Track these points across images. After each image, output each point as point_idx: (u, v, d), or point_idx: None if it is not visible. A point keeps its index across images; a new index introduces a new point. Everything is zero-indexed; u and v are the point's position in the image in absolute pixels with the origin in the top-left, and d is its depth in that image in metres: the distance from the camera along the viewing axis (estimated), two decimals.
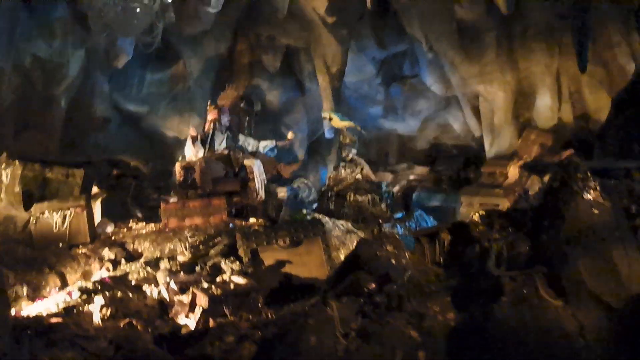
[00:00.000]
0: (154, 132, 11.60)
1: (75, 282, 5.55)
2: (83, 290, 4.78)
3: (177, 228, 6.50)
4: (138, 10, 7.63)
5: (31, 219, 6.17)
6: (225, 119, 7.91)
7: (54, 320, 4.34)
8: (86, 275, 5.66)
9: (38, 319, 4.39)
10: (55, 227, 6.14)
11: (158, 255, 5.90)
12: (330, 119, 8.77)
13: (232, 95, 8.30)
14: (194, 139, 7.79)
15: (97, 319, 4.50)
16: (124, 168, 10.97)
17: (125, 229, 6.78)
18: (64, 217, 6.17)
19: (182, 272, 5.37)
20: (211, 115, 8.00)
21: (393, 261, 4.69)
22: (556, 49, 9.66)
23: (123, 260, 5.85)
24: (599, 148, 7.39)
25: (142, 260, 5.83)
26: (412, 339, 3.76)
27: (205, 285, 5.15)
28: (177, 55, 11.05)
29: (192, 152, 7.55)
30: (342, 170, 8.22)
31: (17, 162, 6.64)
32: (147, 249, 6.13)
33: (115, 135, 11.29)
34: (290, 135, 8.19)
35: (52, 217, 6.16)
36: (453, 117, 12.75)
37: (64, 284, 5.46)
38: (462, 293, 4.25)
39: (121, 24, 7.67)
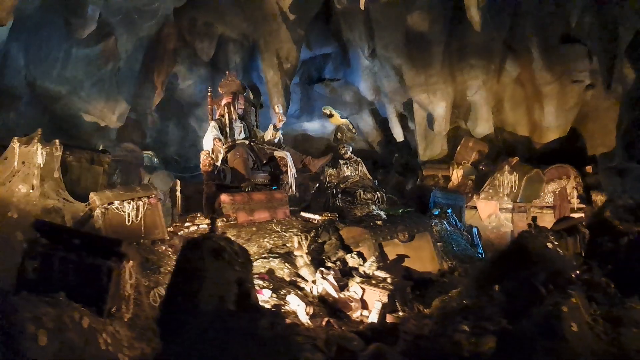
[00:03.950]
0: (70, 116, 10.00)
1: None
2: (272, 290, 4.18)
3: (247, 222, 5.88)
4: None
5: (97, 210, 5.05)
6: (239, 106, 7.27)
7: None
8: None
9: None
10: (129, 220, 5.12)
11: (262, 251, 5.30)
12: (331, 115, 8.61)
13: (235, 83, 7.62)
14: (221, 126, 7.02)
15: (304, 319, 4.05)
16: None
17: (186, 224, 5.87)
18: (137, 209, 5.18)
19: (323, 268, 4.94)
20: (225, 100, 7.28)
21: (560, 252, 4.97)
22: (492, 67, 10.79)
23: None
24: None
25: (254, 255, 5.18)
26: None
27: (358, 279, 4.86)
28: (109, 31, 9.73)
29: (215, 141, 6.80)
30: (345, 168, 8.12)
31: (57, 141, 5.40)
32: None
33: (24, 116, 9.53)
34: (276, 108, 7.63)
35: (123, 208, 5.12)
36: (364, 122, 13.31)
37: None
38: (622, 281, 4.73)
39: None
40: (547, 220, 9.60)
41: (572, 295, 4.15)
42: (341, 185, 7.88)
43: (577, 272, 4.50)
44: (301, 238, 5.34)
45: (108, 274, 3.80)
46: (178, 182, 7.52)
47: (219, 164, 6.75)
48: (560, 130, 10.98)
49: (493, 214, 9.41)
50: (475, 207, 9.41)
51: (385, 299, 4.55)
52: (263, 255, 5.14)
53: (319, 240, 5.63)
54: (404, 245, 5.57)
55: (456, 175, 10.44)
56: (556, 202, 9.44)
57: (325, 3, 10.90)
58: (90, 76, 9.84)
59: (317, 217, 6.22)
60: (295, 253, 5.20)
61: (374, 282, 4.78)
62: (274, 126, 7.37)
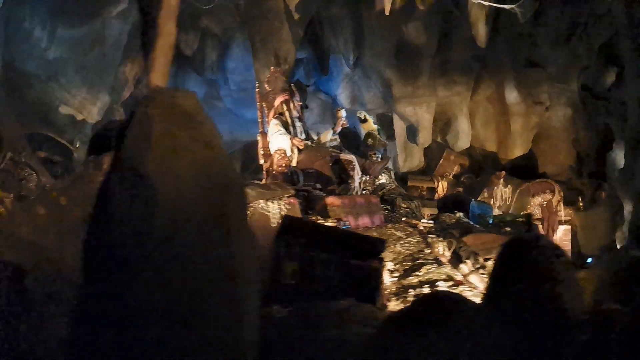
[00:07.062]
0: (45, 105, 8.68)
1: None
2: None
3: (355, 227, 5.49)
4: None
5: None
6: (297, 104, 6.80)
7: None
8: None
9: None
10: (274, 221, 4.55)
11: (402, 257, 4.97)
12: (365, 120, 8.35)
13: (282, 80, 7.08)
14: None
15: None
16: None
17: None
18: (280, 209, 4.62)
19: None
20: (281, 97, 6.75)
21: None
22: (470, 84, 11.25)
23: None
24: None
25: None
26: None
27: None
28: (97, 11, 8.65)
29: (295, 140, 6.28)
30: (379, 175, 7.93)
31: None
32: None
33: None
34: (341, 113, 7.34)
35: (268, 208, 4.54)
36: (324, 130, 13.13)
37: None
38: None
39: None
40: None
41: None
42: (379, 193, 7.69)
43: None
44: (445, 244, 5.13)
45: (376, 276, 3.40)
46: None
47: (294, 164, 6.29)
48: (524, 147, 11.72)
49: None
50: None
51: None
52: (417, 262, 4.85)
53: None
54: None
55: (441, 187, 10.70)
56: (544, 214, 10.02)
57: None
58: (74, 61, 8.66)
59: (418, 222, 6.02)
60: (442, 260, 4.98)
61: None
62: (333, 130, 7.06)
